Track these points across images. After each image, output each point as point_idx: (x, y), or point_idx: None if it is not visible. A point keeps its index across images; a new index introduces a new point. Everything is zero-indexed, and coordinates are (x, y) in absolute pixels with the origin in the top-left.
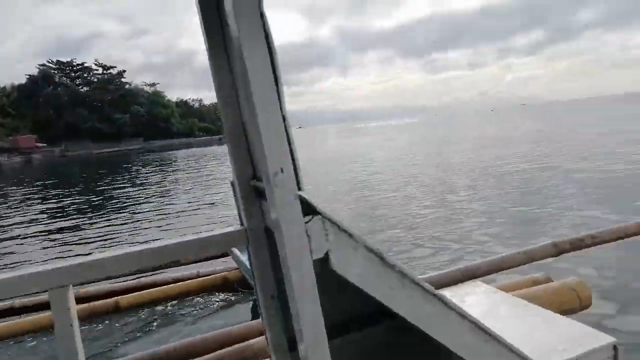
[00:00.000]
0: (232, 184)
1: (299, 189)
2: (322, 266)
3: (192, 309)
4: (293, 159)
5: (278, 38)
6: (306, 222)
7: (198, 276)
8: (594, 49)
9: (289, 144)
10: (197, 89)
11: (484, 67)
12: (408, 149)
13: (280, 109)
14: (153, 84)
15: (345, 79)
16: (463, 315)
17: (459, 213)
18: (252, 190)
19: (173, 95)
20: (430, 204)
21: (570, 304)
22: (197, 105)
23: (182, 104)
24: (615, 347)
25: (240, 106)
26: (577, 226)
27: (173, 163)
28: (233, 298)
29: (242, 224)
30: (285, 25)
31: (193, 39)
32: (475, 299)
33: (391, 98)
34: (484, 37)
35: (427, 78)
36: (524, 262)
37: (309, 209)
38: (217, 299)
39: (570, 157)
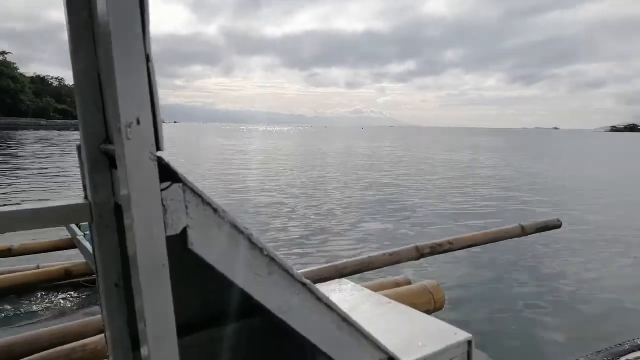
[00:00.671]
0: (78, 147)
1: (158, 148)
2: (178, 245)
3: (29, 304)
4: (154, 111)
5: (160, 26)
6: (162, 190)
7: (37, 268)
8: (455, 86)
9: (151, 91)
10: (63, 67)
11: (361, 87)
12: (284, 153)
13: (144, 46)
14: (3, 53)
15: (228, 80)
16: (331, 308)
17: (325, 217)
18: (101, 155)
19: (31, 69)
20: (301, 207)
21: (426, 305)
22: (56, 83)
23: (38, 80)
24: (469, 342)
25: (96, 52)
26: (435, 232)
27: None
28: (76, 293)
29: (86, 197)
30: (170, 15)
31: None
32: (341, 296)
33: (272, 104)
34: (364, 59)
35: (308, 90)
36: (389, 263)
37: (167, 174)
38: (59, 294)
39: (420, 175)
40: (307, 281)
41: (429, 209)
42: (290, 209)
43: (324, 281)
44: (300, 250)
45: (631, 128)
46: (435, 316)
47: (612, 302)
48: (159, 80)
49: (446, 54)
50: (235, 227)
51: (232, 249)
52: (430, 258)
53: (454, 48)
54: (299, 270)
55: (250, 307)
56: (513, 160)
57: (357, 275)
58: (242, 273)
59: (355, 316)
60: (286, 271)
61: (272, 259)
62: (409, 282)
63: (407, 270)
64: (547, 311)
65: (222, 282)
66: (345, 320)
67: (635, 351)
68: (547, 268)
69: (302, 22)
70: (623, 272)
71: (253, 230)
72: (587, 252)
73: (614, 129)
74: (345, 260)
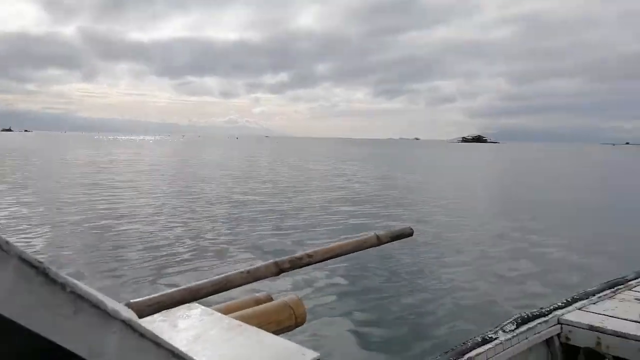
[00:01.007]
0: None
1: None
2: None
3: None
4: None
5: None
6: None
7: None
8: (326, 98)
9: None
10: None
11: (236, 97)
12: (151, 164)
13: None
14: None
15: (92, 86)
16: (159, 344)
17: (177, 238)
18: None
19: None
20: (157, 224)
21: (288, 322)
22: None
23: None
24: None
25: None
26: (295, 245)
27: None
28: None
29: None
30: (17, 12)
31: None
32: (189, 322)
33: (142, 113)
34: (238, 69)
35: (181, 99)
36: (248, 281)
37: None
38: None
39: (294, 187)
40: (127, 317)
41: (288, 223)
42: (141, 230)
43: (179, 305)
44: (151, 275)
45: (478, 139)
46: (297, 332)
47: (460, 301)
48: (3, 84)
49: (317, 67)
50: (24, 260)
51: (22, 289)
52: (291, 273)
53: (325, 62)
54: (151, 296)
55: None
56: (374, 169)
57: (218, 296)
58: (39, 317)
59: (201, 344)
60: (97, 307)
61: (79, 295)
62: (270, 299)
63: (271, 285)
64: (402, 316)
65: (10, 332)
66: (176, 355)
67: (475, 349)
68: (402, 274)
69: (172, 29)
70: (469, 272)
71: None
72: (436, 256)
73: (465, 139)
74: (200, 282)
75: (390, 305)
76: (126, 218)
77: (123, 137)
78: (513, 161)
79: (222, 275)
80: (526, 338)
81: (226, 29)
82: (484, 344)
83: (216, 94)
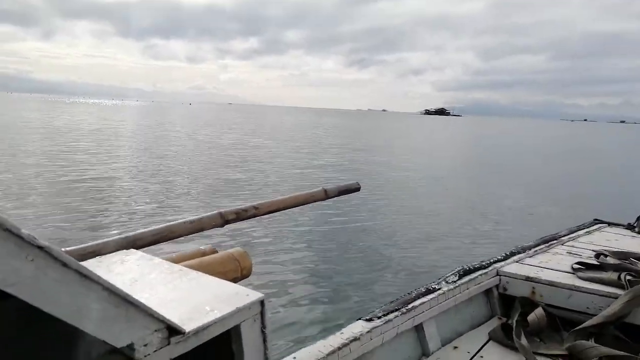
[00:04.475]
0: None
1: None
2: None
3: None
4: None
5: None
6: None
7: None
8: (297, 66)
9: None
10: None
11: (203, 63)
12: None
13: None
14: None
15: (49, 45)
16: (86, 276)
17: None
18: None
19: None
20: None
21: (234, 274)
22: None
23: None
24: (262, 302)
25: None
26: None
27: None
28: None
29: None
30: None
31: None
32: (126, 267)
33: (105, 76)
34: (206, 33)
35: (146, 63)
36: (192, 231)
37: None
38: None
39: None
40: (46, 244)
41: (233, 177)
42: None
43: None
44: (93, 224)
45: (441, 112)
46: (243, 284)
47: (405, 253)
48: None
49: (288, 34)
50: None
51: None
52: (238, 225)
53: (296, 29)
54: (90, 243)
55: None
56: (340, 136)
57: (160, 246)
58: None
59: (138, 287)
60: (10, 231)
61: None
62: (215, 252)
63: (215, 239)
64: (349, 269)
65: None
66: (107, 289)
67: (420, 298)
68: (348, 228)
69: None
70: (414, 226)
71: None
72: (382, 211)
73: (427, 112)
74: (140, 231)
75: (337, 259)
76: None
77: (95, 101)
78: (461, 133)
79: (164, 225)
80: (467, 289)
81: None
82: (427, 294)
83: (183, 59)
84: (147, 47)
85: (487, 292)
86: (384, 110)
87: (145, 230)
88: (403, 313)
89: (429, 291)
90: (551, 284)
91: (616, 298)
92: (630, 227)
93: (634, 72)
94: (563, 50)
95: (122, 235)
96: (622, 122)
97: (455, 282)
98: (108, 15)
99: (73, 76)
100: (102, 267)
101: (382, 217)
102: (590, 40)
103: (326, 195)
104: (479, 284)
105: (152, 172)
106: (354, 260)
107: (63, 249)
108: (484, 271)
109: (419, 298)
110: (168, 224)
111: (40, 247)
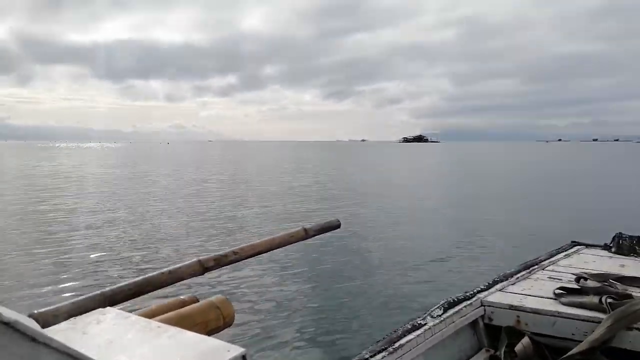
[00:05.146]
0: None
1: None
2: None
3: None
4: None
5: None
6: None
7: None
8: (275, 100)
9: None
10: None
11: (182, 101)
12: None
13: None
14: None
15: (25, 91)
16: (54, 348)
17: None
18: None
19: None
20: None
21: (216, 323)
22: None
23: None
24: (244, 357)
25: None
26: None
27: None
28: None
29: None
30: None
31: None
32: (102, 327)
33: (83, 119)
34: (184, 72)
35: (124, 103)
36: (171, 282)
37: None
38: None
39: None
40: (14, 318)
41: (218, 222)
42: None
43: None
44: (64, 281)
45: (419, 139)
46: (226, 333)
47: (389, 290)
48: None
49: (265, 69)
50: None
51: None
52: (217, 272)
53: (273, 64)
54: (62, 304)
55: None
56: (311, 170)
57: (139, 299)
58: None
59: (114, 349)
60: None
61: None
62: (196, 300)
63: (195, 287)
64: (334, 309)
65: None
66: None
67: (406, 336)
68: (330, 266)
69: (114, 30)
70: (395, 259)
71: None
72: (363, 246)
73: (406, 140)
74: (117, 285)
75: (320, 299)
76: None
77: (74, 145)
78: (439, 159)
79: (141, 277)
80: (453, 322)
81: (172, 30)
82: (413, 331)
83: (161, 98)
84: (126, 88)
85: (473, 324)
86: (363, 140)
87: (122, 284)
88: (390, 352)
89: (414, 327)
90: (535, 311)
91: (599, 322)
92: (607, 247)
93: (602, 92)
94: (535, 72)
95: (98, 292)
96: (595, 140)
97: (440, 315)
98: (84, 59)
99: (51, 120)
100: (77, 330)
101: (362, 252)
102: (560, 62)
103: (306, 234)
104: (464, 316)
105: (112, 220)
106: (339, 300)
107: (35, 311)
108: (468, 302)
109: (405, 335)
110: (145, 275)
111: (6, 323)
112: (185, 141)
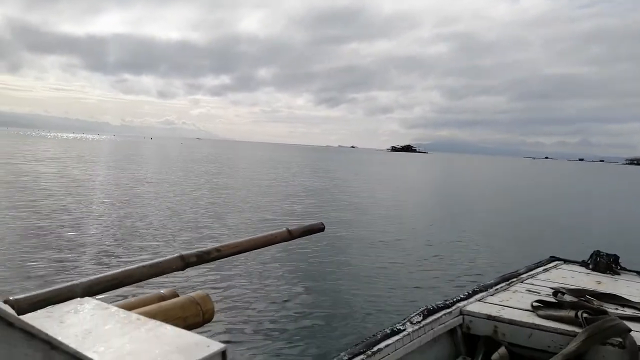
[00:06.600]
0: None
1: None
2: None
3: None
4: None
5: None
6: None
7: None
8: (267, 103)
9: None
10: None
11: (174, 98)
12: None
13: None
14: None
15: (14, 78)
16: (33, 335)
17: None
18: None
19: None
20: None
21: (195, 319)
22: None
23: None
24: (224, 353)
25: None
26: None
27: None
28: None
29: None
30: None
31: None
32: (80, 317)
33: (72, 110)
34: (178, 69)
35: (115, 97)
36: (151, 275)
37: None
38: None
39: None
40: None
41: (198, 219)
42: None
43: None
44: (44, 269)
45: (407, 148)
46: (205, 329)
47: (371, 293)
48: None
49: (260, 72)
50: None
51: None
52: (199, 268)
53: (267, 67)
54: (39, 291)
55: None
56: (293, 174)
57: (118, 292)
58: None
59: (91, 340)
60: None
61: None
62: (175, 295)
63: (176, 282)
64: (314, 310)
65: None
66: (55, 348)
67: (385, 340)
68: (313, 268)
69: (109, 23)
70: (377, 263)
71: None
72: (346, 250)
73: (394, 148)
74: (94, 276)
75: (301, 300)
76: None
77: (63, 135)
78: (426, 168)
79: (122, 269)
80: (432, 329)
81: (169, 27)
82: (392, 336)
83: (153, 94)
84: (118, 82)
85: (452, 332)
86: (353, 147)
87: (102, 275)
88: (369, 356)
89: (394, 332)
90: (512, 322)
91: (574, 336)
92: (585, 264)
93: (589, 113)
94: (523, 91)
95: (77, 281)
96: (581, 159)
97: (419, 322)
98: (77, 50)
99: (38, 109)
100: (54, 319)
101: (345, 256)
102: (549, 83)
103: (290, 235)
104: (443, 323)
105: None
106: (319, 301)
107: (11, 297)
108: (448, 310)
109: (384, 340)
110: (125, 268)
111: None
112: (173, 138)
